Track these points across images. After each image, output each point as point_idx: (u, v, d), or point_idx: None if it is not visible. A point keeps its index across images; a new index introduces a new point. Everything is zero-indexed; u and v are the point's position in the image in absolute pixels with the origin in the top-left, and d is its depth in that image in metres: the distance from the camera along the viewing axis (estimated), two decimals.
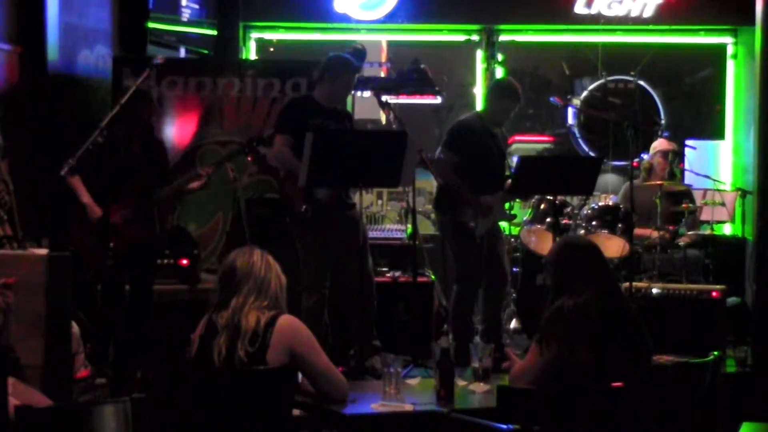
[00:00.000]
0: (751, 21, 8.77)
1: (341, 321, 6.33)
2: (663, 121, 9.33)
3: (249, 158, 6.66)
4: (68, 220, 6.16)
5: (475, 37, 9.49)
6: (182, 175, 6.32)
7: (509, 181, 6.77)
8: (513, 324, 7.59)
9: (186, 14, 8.99)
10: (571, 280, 3.93)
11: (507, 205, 6.97)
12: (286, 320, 3.88)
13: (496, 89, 6.93)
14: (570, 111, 9.40)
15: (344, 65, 6.35)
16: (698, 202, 7.94)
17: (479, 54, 9.48)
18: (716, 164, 9.28)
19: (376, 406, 3.94)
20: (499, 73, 9.28)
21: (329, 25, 9.36)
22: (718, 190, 7.94)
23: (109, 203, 5.83)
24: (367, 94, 8.26)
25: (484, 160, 6.69)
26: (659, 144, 8.05)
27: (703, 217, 8.01)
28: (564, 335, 3.78)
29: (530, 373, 3.85)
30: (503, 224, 7.05)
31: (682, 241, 7.43)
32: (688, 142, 8.73)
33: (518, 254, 7.70)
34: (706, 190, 8.04)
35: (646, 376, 3.86)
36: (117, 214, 6.01)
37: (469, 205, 6.61)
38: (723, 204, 7.81)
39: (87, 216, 6.01)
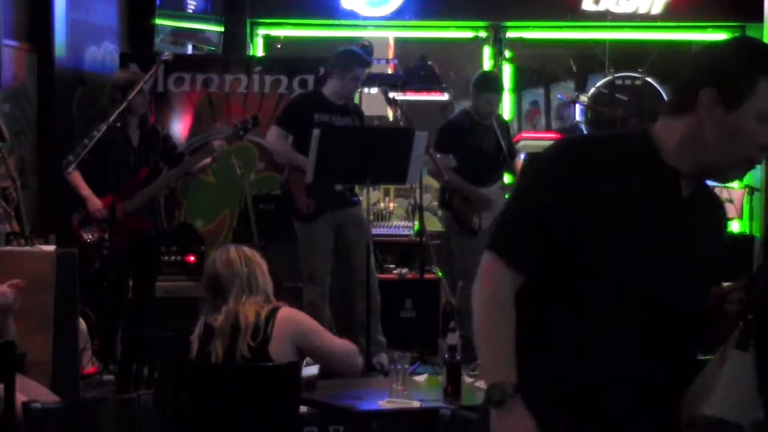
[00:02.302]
0: (760, 17, 8.74)
1: (346, 318, 6.32)
2: None
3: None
4: (71, 214, 6.16)
5: (482, 34, 9.46)
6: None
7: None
8: None
9: (191, 6, 8.99)
10: None
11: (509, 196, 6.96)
12: (286, 312, 3.90)
13: (475, 83, 6.95)
14: (577, 107, 9.37)
15: (356, 59, 6.33)
16: None
17: (487, 51, 9.46)
18: None
19: (383, 403, 3.93)
20: (507, 69, 9.26)
21: (336, 22, 9.34)
22: (726, 187, 7.91)
23: (111, 196, 5.84)
24: (374, 90, 8.25)
25: (476, 155, 6.73)
26: None
27: None
28: None
29: None
30: None
31: None
32: None
33: None
34: (713, 187, 8.01)
35: None
36: (118, 206, 6.01)
37: (468, 201, 6.65)
38: (731, 201, 7.79)
39: (88, 209, 6.03)
